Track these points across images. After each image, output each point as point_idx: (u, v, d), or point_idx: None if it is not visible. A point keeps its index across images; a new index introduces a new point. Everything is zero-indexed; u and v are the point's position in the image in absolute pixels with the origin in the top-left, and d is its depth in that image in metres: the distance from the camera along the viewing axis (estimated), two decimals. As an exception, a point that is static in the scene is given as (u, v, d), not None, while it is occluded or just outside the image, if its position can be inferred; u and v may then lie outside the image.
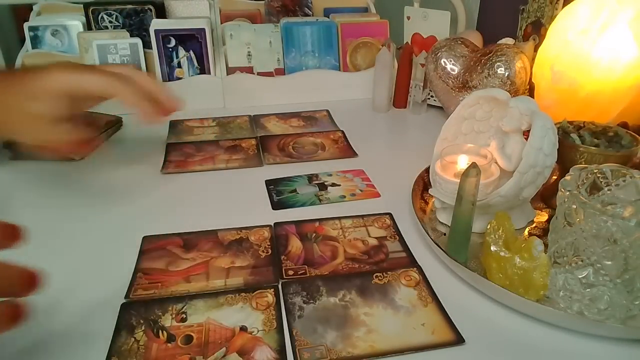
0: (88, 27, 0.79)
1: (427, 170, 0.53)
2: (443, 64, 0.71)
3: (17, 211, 0.52)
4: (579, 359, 0.34)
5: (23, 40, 0.79)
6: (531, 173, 0.42)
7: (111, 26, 0.80)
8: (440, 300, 0.39)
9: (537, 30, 0.79)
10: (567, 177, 0.39)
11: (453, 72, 0.70)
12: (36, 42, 0.79)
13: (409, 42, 0.81)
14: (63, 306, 0.38)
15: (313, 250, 0.45)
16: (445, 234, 0.47)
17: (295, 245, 0.46)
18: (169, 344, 0.35)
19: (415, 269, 0.43)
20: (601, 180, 0.39)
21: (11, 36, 1.43)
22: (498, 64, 0.64)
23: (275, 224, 0.49)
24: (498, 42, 0.69)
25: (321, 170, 0.60)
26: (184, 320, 0.37)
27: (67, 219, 0.50)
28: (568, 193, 0.36)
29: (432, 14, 0.87)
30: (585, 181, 0.39)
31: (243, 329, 0.36)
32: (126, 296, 0.39)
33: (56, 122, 0.45)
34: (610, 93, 0.57)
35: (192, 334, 0.36)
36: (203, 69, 0.80)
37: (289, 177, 0.59)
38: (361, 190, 0.56)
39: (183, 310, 0.38)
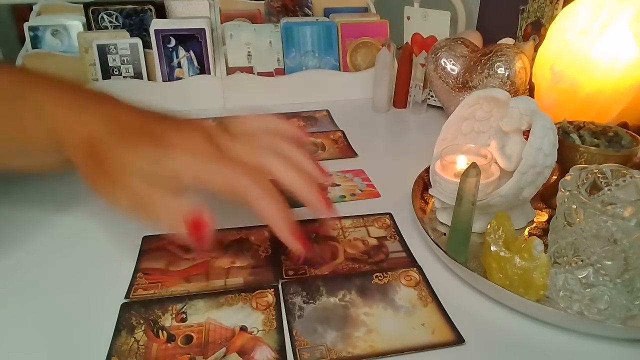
0: (88, 27, 0.79)
1: (427, 170, 0.53)
2: (443, 64, 0.71)
3: (17, 211, 0.52)
4: (579, 359, 0.34)
5: (23, 40, 0.79)
6: (531, 173, 0.42)
7: (111, 26, 0.80)
8: (440, 300, 0.39)
9: (537, 30, 0.79)
10: (567, 177, 0.39)
11: (453, 72, 0.70)
12: (36, 42, 0.79)
13: (409, 42, 0.81)
14: (63, 306, 0.38)
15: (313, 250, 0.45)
16: (445, 234, 0.47)
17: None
18: (169, 344, 0.35)
19: (415, 269, 0.43)
20: (601, 180, 0.39)
21: (11, 36, 1.43)
22: (498, 64, 0.64)
23: (275, 224, 0.49)
24: (498, 42, 0.68)
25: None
26: (184, 320, 0.37)
27: (67, 219, 0.50)
28: (568, 193, 0.36)
29: (432, 14, 0.87)
30: (585, 181, 0.39)
31: (243, 329, 0.36)
32: (126, 296, 0.39)
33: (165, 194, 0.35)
34: (610, 93, 0.57)
35: (192, 334, 0.36)
36: (203, 69, 0.80)
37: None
38: (361, 190, 0.56)
39: (183, 310, 0.38)
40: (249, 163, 0.36)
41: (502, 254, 0.38)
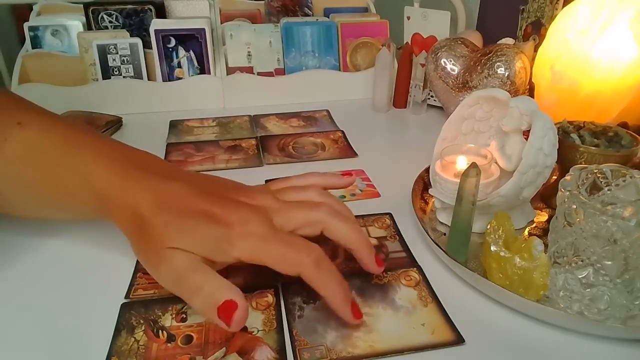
0: (88, 27, 0.79)
1: (427, 170, 0.53)
2: (443, 64, 0.71)
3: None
4: (579, 359, 0.34)
5: (23, 40, 0.79)
6: (531, 173, 0.42)
7: (111, 26, 0.80)
8: (440, 300, 0.39)
9: (537, 30, 0.79)
10: (567, 177, 0.39)
11: (453, 72, 0.70)
12: (36, 42, 0.79)
13: (409, 42, 0.81)
14: (63, 306, 0.38)
15: (313, 250, 0.45)
16: (445, 234, 0.47)
17: (295, 245, 0.46)
18: (169, 344, 0.35)
19: (415, 269, 0.43)
20: (601, 180, 0.39)
21: (11, 36, 1.43)
22: (498, 64, 0.64)
23: (275, 224, 0.49)
24: (498, 42, 0.69)
25: (321, 170, 0.60)
26: (184, 320, 0.37)
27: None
28: (568, 193, 0.36)
29: (432, 14, 0.87)
30: (585, 181, 0.39)
31: (243, 329, 0.36)
32: (126, 296, 0.39)
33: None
34: (610, 93, 0.57)
35: (192, 334, 0.36)
36: (203, 69, 0.80)
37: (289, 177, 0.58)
38: (361, 190, 0.56)
39: (183, 310, 0.38)
40: (303, 240, 0.36)
41: (502, 254, 0.38)
